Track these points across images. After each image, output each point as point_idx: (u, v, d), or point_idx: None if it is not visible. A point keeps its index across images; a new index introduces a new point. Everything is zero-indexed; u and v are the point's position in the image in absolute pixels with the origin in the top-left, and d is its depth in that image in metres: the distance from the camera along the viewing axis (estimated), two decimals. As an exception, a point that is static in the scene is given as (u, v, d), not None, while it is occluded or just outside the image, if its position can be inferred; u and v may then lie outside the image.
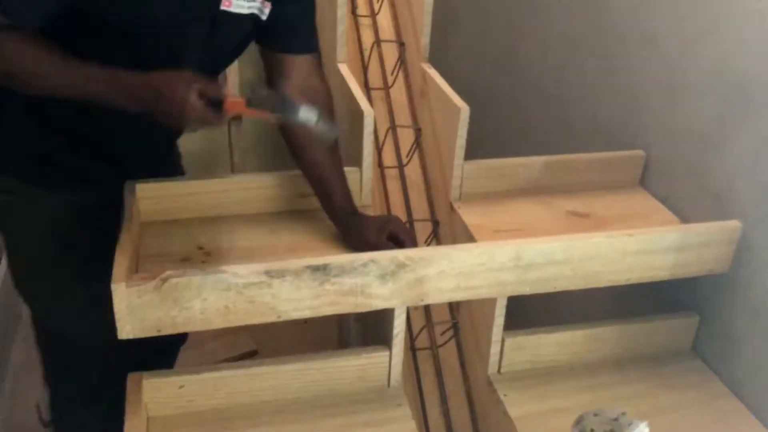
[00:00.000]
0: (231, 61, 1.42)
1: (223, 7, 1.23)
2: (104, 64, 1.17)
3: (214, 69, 1.36)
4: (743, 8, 1.24)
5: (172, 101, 1.12)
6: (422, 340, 1.48)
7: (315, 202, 1.40)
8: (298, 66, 1.35)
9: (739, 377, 1.29)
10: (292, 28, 1.33)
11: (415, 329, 1.48)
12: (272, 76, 1.36)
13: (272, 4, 1.28)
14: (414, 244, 1.34)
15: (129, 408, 1.11)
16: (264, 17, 1.28)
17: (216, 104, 1.14)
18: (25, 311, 2.57)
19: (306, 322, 1.81)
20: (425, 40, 1.67)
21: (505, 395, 1.26)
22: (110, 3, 1.15)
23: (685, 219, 1.42)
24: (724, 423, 1.24)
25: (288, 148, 1.38)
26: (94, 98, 1.16)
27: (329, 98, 1.40)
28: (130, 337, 1.04)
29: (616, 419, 1.06)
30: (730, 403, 1.28)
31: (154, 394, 1.15)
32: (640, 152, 1.53)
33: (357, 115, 1.45)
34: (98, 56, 1.18)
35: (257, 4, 1.26)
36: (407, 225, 1.53)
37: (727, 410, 1.27)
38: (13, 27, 1.13)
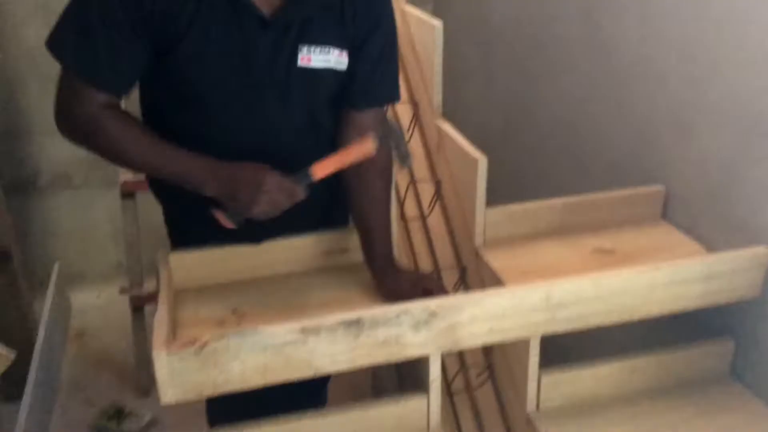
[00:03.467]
0: (328, 115, 1.39)
1: (301, 64, 1.27)
2: (180, 130, 1.28)
3: (303, 125, 1.36)
4: (746, 48, 1.28)
5: (270, 185, 1.21)
6: (458, 384, 1.48)
7: (342, 259, 1.42)
8: (361, 121, 1.38)
9: (779, 399, 1.29)
10: (367, 81, 1.35)
11: (450, 373, 1.48)
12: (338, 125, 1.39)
13: (348, 53, 1.30)
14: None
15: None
16: (343, 67, 1.31)
17: (301, 179, 1.23)
18: (73, 331, 2.69)
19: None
20: (438, 98, 1.71)
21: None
22: (185, 64, 1.23)
23: (711, 248, 1.42)
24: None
25: (347, 193, 1.42)
26: (177, 177, 1.25)
27: (386, 156, 1.42)
28: (173, 402, 1.07)
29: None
30: (771, 426, 1.27)
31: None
32: (660, 187, 1.55)
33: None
34: (174, 119, 1.29)
35: (334, 57, 1.29)
36: (435, 275, 1.54)
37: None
38: (106, 105, 1.23)
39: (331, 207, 1.48)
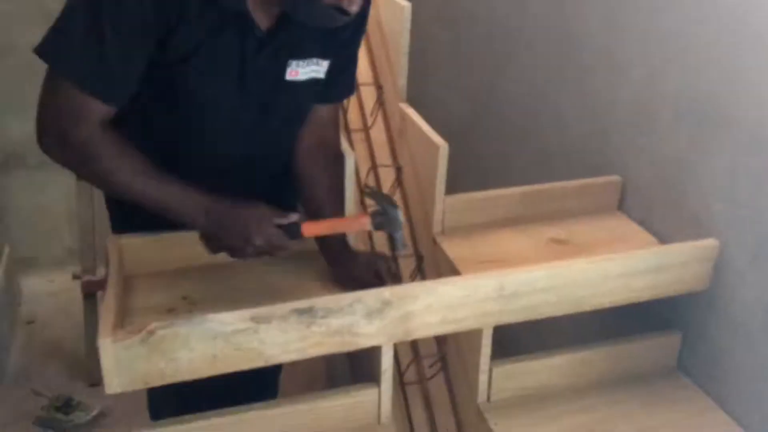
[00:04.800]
0: (300, 124, 1.39)
1: (289, 78, 1.26)
2: (162, 138, 1.24)
3: (281, 134, 1.37)
4: (704, 39, 1.29)
5: (259, 235, 1.20)
6: (411, 374, 1.48)
7: (297, 246, 1.40)
8: (321, 113, 1.38)
9: (724, 391, 1.31)
10: (333, 80, 1.34)
11: (403, 364, 1.48)
12: None
13: (330, 61, 1.30)
14: (398, 283, 1.36)
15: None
16: (323, 75, 1.31)
17: (290, 231, 1.22)
18: (22, 318, 2.63)
19: (293, 365, 1.82)
20: (402, 81, 1.70)
21: (495, 423, 1.26)
22: (187, 79, 1.19)
23: (663, 240, 1.44)
24: (713, 438, 1.25)
25: (297, 179, 1.40)
26: (169, 211, 1.21)
27: (338, 146, 1.43)
28: (119, 391, 1.04)
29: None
30: (716, 417, 1.30)
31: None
32: (616, 177, 1.56)
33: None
34: (160, 127, 1.24)
35: (319, 67, 1.29)
36: (390, 257, 1.54)
37: (714, 423, 1.28)
38: (103, 124, 1.15)
39: (279, 195, 1.46)
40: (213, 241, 1.24)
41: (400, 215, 1.27)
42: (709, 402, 1.33)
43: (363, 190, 1.32)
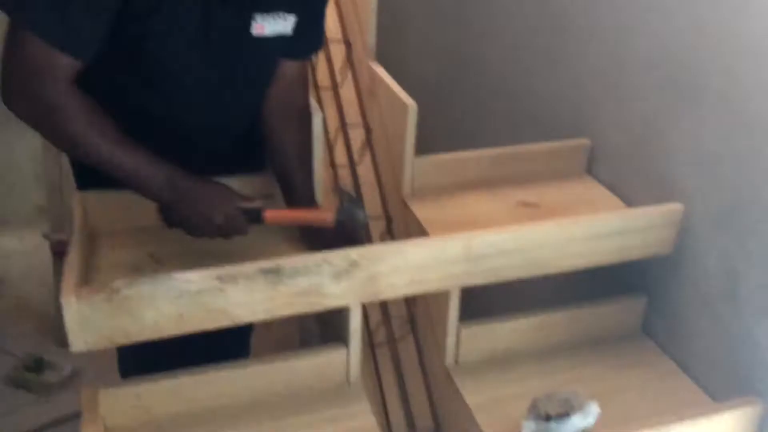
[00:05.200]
0: (268, 83, 1.37)
1: (255, 33, 1.23)
2: (133, 105, 1.21)
3: (250, 95, 1.35)
4: (672, 4, 1.29)
5: (221, 214, 1.19)
6: (380, 336, 1.49)
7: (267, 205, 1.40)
8: (288, 70, 1.36)
9: (686, 354, 1.33)
10: (300, 35, 1.32)
11: (373, 325, 1.49)
12: None
13: (296, 15, 1.27)
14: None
15: (86, 420, 1.10)
16: (290, 31, 1.28)
17: (252, 215, 1.22)
18: None
19: (268, 326, 1.82)
20: (371, 38, 1.67)
21: (462, 384, 1.28)
22: (150, 40, 1.16)
23: (631, 204, 1.45)
24: (673, 398, 1.28)
25: (266, 138, 1.38)
26: (133, 180, 1.19)
27: (307, 105, 1.41)
28: (83, 350, 1.04)
29: (568, 400, 1.08)
30: (679, 380, 1.32)
31: (112, 406, 1.14)
32: (585, 141, 1.56)
33: (306, 115, 1.45)
34: (127, 91, 1.21)
35: (285, 22, 1.26)
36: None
37: (676, 386, 1.31)
38: (71, 81, 1.12)
39: (247, 159, 1.45)
40: (173, 215, 1.22)
41: (364, 217, 1.28)
42: (672, 365, 1.35)
43: (336, 188, 1.34)
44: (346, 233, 1.30)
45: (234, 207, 1.21)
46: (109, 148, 1.16)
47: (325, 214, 1.27)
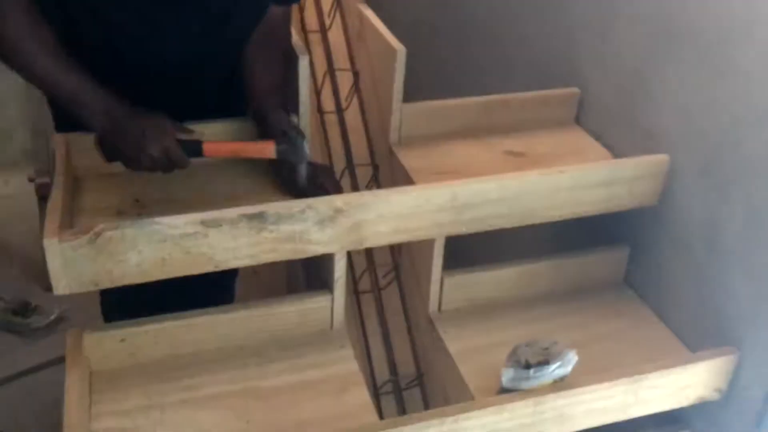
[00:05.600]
0: (246, 21, 1.35)
1: None
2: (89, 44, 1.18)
3: (220, 29, 1.31)
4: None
5: (157, 146, 1.16)
6: (365, 283, 1.50)
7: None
8: (274, 13, 1.34)
9: (666, 305, 1.35)
10: None
11: (358, 273, 1.50)
12: None
13: None
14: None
15: (70, 363, 1.11)
16: None
17: (191, 148, 1.19)
18: None
19: (256, 272, 1.82)
20: (360, -21, 1.64)
21: (444, 332, 1.29)
22: None
23: (617, 155, 1.45)
24: (651, 348, 1.30)
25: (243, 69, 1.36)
26: (70, 100, 1.17)
27: (288, 44, 1.38)
28: (66, 293, 1.04)
29: (547, 348, 1.10)
30: (658, 330, 1.34)
31: (96, 349, 1.15)
32: (575, 90, 1.55)
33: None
34: (79, 21, 1.18)
35: None
36: (345, 170, 1.53)
37: (655, 336, 1.33)
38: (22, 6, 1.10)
39: (227, 102, 1.42)
40: (108, 146, 1.20)
41: (307, 148, 1.25)
42: (651, 315, 1.37)
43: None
44: (287, 166, 1.28)
45: (171, 139, 1.18)
46: (46, 61, 1.15)
47: (265, 146, 1.25)
